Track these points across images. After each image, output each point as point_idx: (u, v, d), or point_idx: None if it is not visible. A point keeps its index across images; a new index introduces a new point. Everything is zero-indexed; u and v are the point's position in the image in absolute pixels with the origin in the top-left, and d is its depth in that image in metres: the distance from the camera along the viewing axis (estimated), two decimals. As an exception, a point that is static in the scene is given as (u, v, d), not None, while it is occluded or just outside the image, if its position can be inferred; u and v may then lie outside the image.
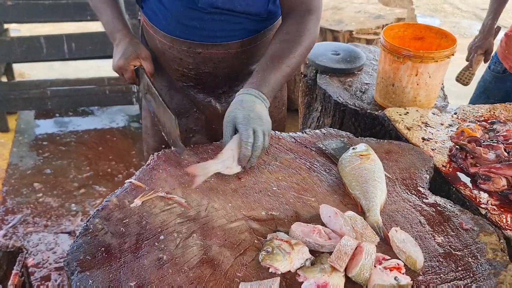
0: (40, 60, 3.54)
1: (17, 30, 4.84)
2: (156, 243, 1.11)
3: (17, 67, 4.09)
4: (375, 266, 1.06)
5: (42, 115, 3.89)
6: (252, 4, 1.48)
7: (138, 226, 1.16)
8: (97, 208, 1.20)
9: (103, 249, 1.09)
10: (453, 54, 1.81)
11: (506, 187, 1.45)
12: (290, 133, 1.59)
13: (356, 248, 1.08)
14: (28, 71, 4.42)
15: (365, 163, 1.35)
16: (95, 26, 4.65)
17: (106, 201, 1.23)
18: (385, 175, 1.38)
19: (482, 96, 2.63)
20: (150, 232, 1.14)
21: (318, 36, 1.58)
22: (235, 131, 1.34)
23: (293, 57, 1.44)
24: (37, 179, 3.16)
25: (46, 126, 3.77)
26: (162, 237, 1.13)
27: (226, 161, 1.31)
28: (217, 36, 1.54)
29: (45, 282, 2.40)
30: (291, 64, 1.44)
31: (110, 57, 3.73)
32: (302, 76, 2.37)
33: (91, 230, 1.13)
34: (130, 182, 1.30)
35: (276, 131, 1.59)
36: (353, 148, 1.44)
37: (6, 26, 3.73)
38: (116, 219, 1.17)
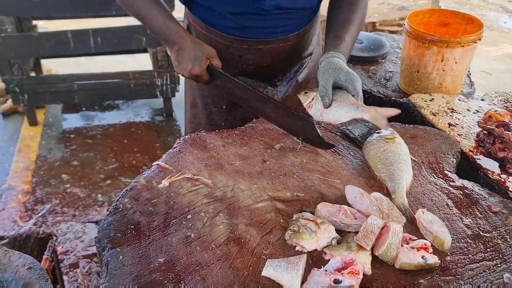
0: (67, 55, 3.62)
1: (44, 28, 4.96)
2: (183, 222, 1.13)
3: (45, 64, 4.17)
4: (401, 246, 1.06)
5: (69, 109, 3.97)
6: (309, 0, 1.55)
7: (165, 206, 1.18)
8: (126, 188, 1.23)
9: (132, 227, 1.11)
10: (480, 39, 1.78)
11: (536, 171, 1.42)
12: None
13: (382, 227, 1.08)
14: (56, 68, 4.52)
15: (391, 146, 1.35)
16: (119, 22, 4.75)
17: (134, 181, 1.26)
18: (411, 158, 1.37)
19: None
20: (177, 211, 1.16)
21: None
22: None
23: (357, 27, 1.55)
24: (65, 171, 3.24)
25: (73, 120, 3.85)
26: (189, 216, 1.15)
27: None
28: (277, 32, 1.58)
29: (74, 269, 2.46)
30: (357, 30, 1.55)
31: (134, 51, 3.82)
32: (326, 65, 2.36)
33: (120, 209, 1.16)
34: (158, 164, 1.32)
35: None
36: (377, 132, 1.44)
37: (34, 22, 3.83)
38: (144, 199, 1.20)
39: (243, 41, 1.59)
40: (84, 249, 2.59)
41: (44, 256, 2.04)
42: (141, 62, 4.40)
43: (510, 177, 1.43)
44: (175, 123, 3.89)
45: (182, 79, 3.90)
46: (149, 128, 3.79)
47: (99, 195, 3.02)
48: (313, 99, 1.40)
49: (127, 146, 3.53)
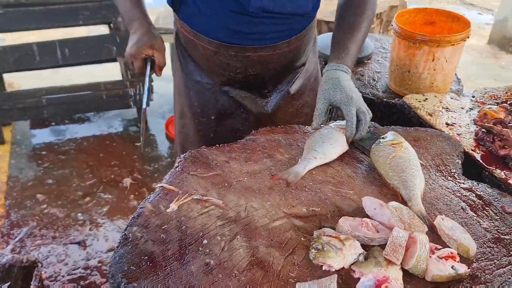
0: (33, 69, 3.44)
1: (1, 40, 4.73)
2: (200, 248, 1.07)
3: (6, 77, 3.96)
4: (429, 257, 1.03)
5: (38, 125, 3.79)
6: (301, 5, 1.49)
7: (178, 232, 1.11)
8: (132, 216, 1.15)
9: (146, 257, 1.04)
10: (468, 37, 1.80)
11: (538, 167, 1.43)
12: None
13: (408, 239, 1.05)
14: (18, 81, 4.30)
15: (399, 152, 1.32)
16: (81, 31, 4.58)
17: (140, 207, 1.18)
18: (420, 162, 1.35)
19: None
20: (191, 237, 1.10)
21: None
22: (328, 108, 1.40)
23: (365, 29, 1.51)
24: (40, 190, 3.08)
25: (43, 136, 3.67)
26: (205, 241, 1.08)
27: (320, 154, 1.33)
28: (266, 38, 1.52)
29: (60, 295, 2.34)
30: (364, 35, 1.51)
31: (105, 61, 3.68)
32: (311, 68, 2.33)
33: (130, 239, 1.08)
34: (162, 186, 1.25)
35: (301, 125, 1.55)
36: (382, 138, 1.41)
37: (-5, 35, 3.64)
38: (154, 226, 1.12)
39: (230, 47, 1.53)
40: (69, 272, 2.47)
41: (32, 287, 1.92)
42: (110, 71, 4.26)
43: (514, 174, 1.43)
44: (150, 133, 3.78)
45: (158, 88, 3.82)
46: (124, 139, 3.67)
47: (79, 214, 2.89)
48: None
49: (103, 160, 3.41)
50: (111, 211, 2.92)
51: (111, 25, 3.49)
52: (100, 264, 2.51)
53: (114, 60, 3.68)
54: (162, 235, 1.10)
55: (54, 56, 3.29)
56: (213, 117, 1.72)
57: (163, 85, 3.96)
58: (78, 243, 2.67)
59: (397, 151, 1.33)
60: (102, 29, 4.29)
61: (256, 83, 1.66)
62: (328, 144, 1.36)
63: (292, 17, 1.52)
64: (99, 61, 3.63)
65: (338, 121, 1.47)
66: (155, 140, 3.70)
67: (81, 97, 3.50)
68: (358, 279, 0.99)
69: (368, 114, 1.38)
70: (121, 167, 3.34)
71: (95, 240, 2.69)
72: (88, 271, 2.47)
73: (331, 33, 2.39)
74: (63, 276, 2.44)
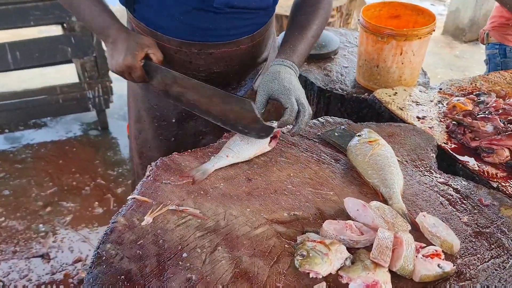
0: (-19, 73, 3.24)
1: None
2: (180, 262, 1.01)
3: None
4: (415, 256, 1.02)
5: (-11, 132, 3.58)
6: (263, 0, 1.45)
7: (155, 246, 1.05)
8: (105, 232, 1.08)
9: (123, 277, 0.97)
10: (434, 30, 1.81)
11: (509, 157, 1.46)
12: (289, 126, 1.51)
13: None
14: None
15: (377, 150, 1.31)
16: (32, 32, 4.35)
17: (112, 222, 1.10)
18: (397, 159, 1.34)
19: None
20: (170, 250, 1.04)
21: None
22: (267, 101, 1.35)
23: (316, 27, 1.47)
24: (-4, 203, 2.91)
25: (-4, 144, 3.48)
26: (185, 254, 1.03)
27: (234, 153, 1.30)
28: (229, 34, 1.46)
29: (24, 314, 2.21)
30: (315, 34, 1.48)
31: (59, 63, 3.51)
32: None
33: (104, 257, 1.01)
34: (134, 198, 1.18)
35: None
36: (358, 135, 1.39)
37: None
38: (129, 242, 1.05)
39: (192, 45, 1.46)
40: (33, 289, 2.34)
41: (-7, 309, 1.80)
42: (64, 73, 4.08)
43: (487, 166, 1.45)
44: (112, 136, 3.65)
45: (117, 89, 3.68)
46: (84, 144, 3.52)
47: (41, 225, 2.75)
48: None
49: (63, 167, 3.25)
50: (74, 220, 2.79)
51: (65, 25, 3.33)
52: (66, 278, 2.39)
53: (69, 61, 3.53)
54: (138, 251, 1.03)
55: (4, 60, 3.10)
56: (173, 120, 1.65)
57: (124, 85, 3.81)
58: (41, 256, 2.54)
59: (374, 148, 1.31)
60: (54, 29, 4.10)
61: (220, 80, 1.60)
62: (245, 143, 1.32)
63: (255, 12, 1.48)
64: (54, 63, 3.46)
65: (271, 121, 1.40)
66: (117, 143, 3.57)
67: (36, 102, 3.32)
68: (347, 284, 0.96)
69: (308, 108, 1.31)
70: (82, 173, 3.20)
71: (59, 252, 2.56)
72: (54, 286, 2.35)
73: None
74: (27, 293, 2.31)
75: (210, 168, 1.26)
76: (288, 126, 1.35)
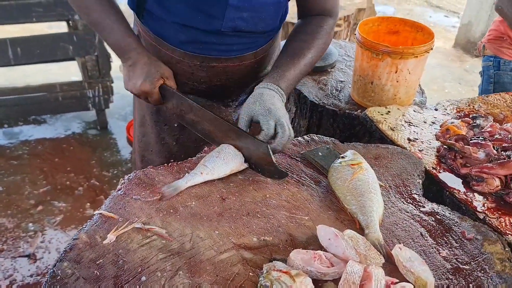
0: (-18, 68, 3.24)
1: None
2: (138, 286, 0.97)
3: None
4: (385, 294, 0.96)
5: (-12, 126, 3.59)
6: (271, 23, 1.45)
7: (114, 267, 1.01)
8: (64, 249, 1.04)
9: (75, 299, 0.93)
10: (431, 49, 1.75)
11: (500, 187, 1.39)
12: (272, 142, 1.47)
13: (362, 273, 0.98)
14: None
15: (358, 174, 1.25)
16: (42, 27, 4.36)
17: (74, 239, 1.06)
18: (379, 184, 1.29)
19: None
20: (129, 273, 0.99)
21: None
22: (250, 123, 1.34)
23: (310, 56, 1.45)
24: (-12, 198, 2.90)
25: (-7, 138, 3.48)
26: (143, 278, 0.98)
27: (209, 169, 1.26)
28: (233, 50, 1.46)
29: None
30: (308, 62, 1.45)
31: (60, 60, 3.50)
32: (273, 75, 2.25)
33: (59, 277, 0.97)
34: (100, 213, 1.14)
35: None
36: (341, 157, 1.34)
37: None
38: (87, 261, 1.01)
39: (195, 57, 1.45)
40: (17, 289, 2.32)
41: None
42: (68, 69, 4.08)
43: (475, 194, 1.39)
44: (111, 136, 3.63)
45: (118, 89, 3.66)
46: (82, 143, 3.51)
47: (30, 224, 2.73)
48: None
49: (59, 165, 3.24)
50: (65, 221, 2.78)
51: (70, 22, 3.32)
52: (50, 280, 2.37)
53: (71, 59, 3.52)
54: (96, 271, 0.99)
55: (5, 55, 3.10)
56: (176, 125, 1.65)
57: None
58: (28, 256, 2.52)
59: (355, 172, 1.26)
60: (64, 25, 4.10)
61: (220, 93, 1.61)
62: (220, 160, 1.28)
63: (261, 33, 1.48)
64: (54, 60, 3.45)
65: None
66: (115, 144, 3.55)
67: (35, 98, 3.32)
68: (309, 321, 0.91)
69: (288, 130, 1.29)
70: (77, 173, 3.18)
71: (46, 253, 2.54)
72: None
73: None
74: (9, 294, 2.29)
75: (182, 185, 1.22)
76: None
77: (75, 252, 1.03)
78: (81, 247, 1.04)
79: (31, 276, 2.39)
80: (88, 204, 2.91)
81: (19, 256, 2.51)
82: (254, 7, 1.37)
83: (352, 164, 1.29)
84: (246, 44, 1.47)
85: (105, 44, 3.37)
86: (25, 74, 4.09)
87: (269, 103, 1.30)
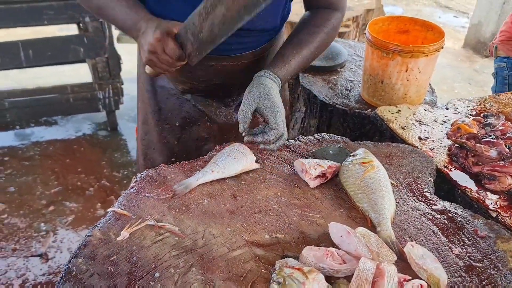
0: (-6, 70, 3.28)
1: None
2: (151, 282, 0.97)
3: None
4: (398, 290, 0.96)
5: (0, 128, 3.62)
6: (270, 22, 1.44)
7: (128, 263, 1.02)
8: (78, 245, 1.05)
9: (90, 295, 0.94)
10: (442, 47, 1.74)
11: (512, 185, 1.38)
12: (283, 141, 1.48)
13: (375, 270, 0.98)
14: (-18, 81, 4.12)
15: (370, 172, 1.25)
16: (50, 30, 4.40)
17: (88, 235, 1.08)
18: (390, 182, 1.29)
19: None
20: (142, 269, 1.00)
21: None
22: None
23: (314, 48, 1.43)
24: (0, 199, 2.93)
25: (5, 139, 3.51)
26: (157, 274, 0.99)
27: (220, 168, 1.27)
28: (232, 49, 1.44)
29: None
30: (310, 56, 1.44)
31: (71, 62, 3.54)
32: (283, 75, 2.26)
33: (74, 272, 0.98)
34: (113, 211, 1.15)
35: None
36: (352, 155, 1.34)
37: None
38: (102, 257, 1.03)
39: None
40: (29, 288, 2.34)
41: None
42: (79, 71, 4.11)
43: (487, 193, 1.38)
44: (121, 137, 3.66)
45: (128, 91, 3.69)
46: (92, 144, 3.53)
47: (42, 224, 2.76)
48: None
49: (70, 166, 3.27)
50: (76, 221, 2.80)
51: (80, 25, 3.35)
52: (62, 279, 2.39)
53: (81, 61, 3.55)
54: (110, 267, 1.00)
55: (17, 58, 3.13)
56: (177, 124, 1.66)
57: (134, 87, 3.82)
58: (40, 255, 2.54)
59: (367, 170, 1.26)
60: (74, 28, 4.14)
61: (220, 92, 1.60)
62: (231, 159, 1.29)
63: (261, 32, 1.47)
64: (66, 62, 3.48)
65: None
66: (125, 145, 3.57)
67: (47, 100, 3.35)
68: (321, 317, 0.92)
69: (285, 132, 1.32)
70: (88, 173, 3.21)
71: (58, 252, 2.56)
72: (50, 287, 2.35)
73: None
74: (22, 293, 2.31)
75: (193, 183, 1.23)
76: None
77: (90, 248, 1.04)
78: (95, 244, 1.05)
79: (43, 275, 2.41)
80: (99, 204, 2.93)
81: (31, 256, 2.53)
82: None
83: (363, 162, 1.29)
84: (245, 43, 1.45)
85: (116, 45, 3.43)
86: (36, 76, 4.13)
87: (273, 97, 1.30)
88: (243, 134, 1.33)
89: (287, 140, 1.46)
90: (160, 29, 1.21)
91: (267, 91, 1.30)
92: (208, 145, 1.68)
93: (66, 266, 1.00)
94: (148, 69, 1.36)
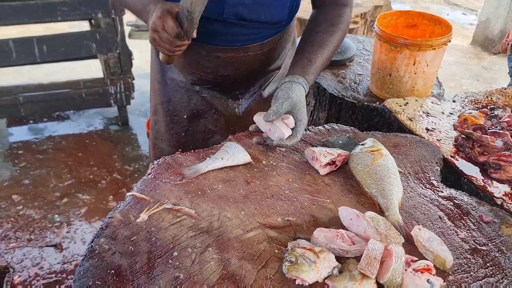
0: (9, 65, 3.34)
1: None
2: (170, 261, 1.03)
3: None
4: (405, 270, 1.01)
5: (15, 122, 3.70)
6: (275, 14, 1.46)
7: (147, 243, 1.07)
8: (100, 226, 1.11)
9: (113, 271, 1.00)
10: (449, 41, 1.78)
11: (517, 174, 1.42)
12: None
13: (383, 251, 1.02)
14: (-4, 77, 4.20)
15: (378, 160, 1.30)
16: (62, 27, 4.47)
17: (109, 217, 1.13)
18: (398, 170, 1.33)
19: None
20: (161, 248, 1.06)
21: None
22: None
23: (333, 49, 1.47)
24: (16, 191, 3.00)
25: (20, 134, 3.59)
26: (175, 253, 1.05)
27: (229, 155, 1.32)
28: (238, 40, 1.47)
29: (34, 300, 2.28)
30: (330, 56, 1.48)
31: (83, 58, 3.61)
32: (292, 69, 2.30)
33: (97, 251, 1.04)
34: (133, 195, 1.20)
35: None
36: (361, 144, 1.39)
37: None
38: (123, 237, 1.08)
39: (201, 47, 1.48)
40: (44, 277, 2.40)
41: (2, 293, 1.87)
42: (90, 67, 4.18)
43: (493, 181, 1.42)
44: (131, 132, 3.72)
45: (139, 86, 3.75)
46: (104, 138, 3.60)
47: (56, 215, 2.82)
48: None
49: (82, 160, 3.34)
50: (89, 212, 2.86)
51: (92, 21, 3.42)
52: (76, 268, 2.45)
53: (93, 57, 3.61)
54: (130, 247, 1.06)
55: (31, 53, 3.20)
56: (185, 116, 1.70)
57: (145, 83, 3.89)
58: (55, 245, 2.61)
59: (375, 158, 1.30)
60: (85, 25, 4.21)
61: (227, 84, 1.63)
62: (241, 147, 1.34)
63: (266, 25, 1.48)
64: (79, 58, 3.55)
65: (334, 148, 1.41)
66: (136, 139, 3.63)
67: (60, 95, 3.42)
68: (332, 293, 0.96)
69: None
70: (100, 167, 3.27)
71: (71, 243, 2.62)
72: (64, 275, 2.41)
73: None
74: (37, 281, 2.38)
75: (202, 168, 1.28)
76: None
77: (111, 229, 1.10)
78: (116, 225, 1.11)
79: (58, 263, 2.47)
80: (111, 196, 3.00)
81: (46, 246, 2.60)
82: None
83: (372, 151, 1.34)
84: (250, 34, 1.48)
85: (127, 41, 3.49)
86: (48, 72, 4.21)
87: (304, 109, 1.35)
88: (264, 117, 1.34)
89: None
90: (162, 8, 1.24)
91: (302, 101, 1.35)
92: (215, 138, 1.73)
93: (89, 245, 1.05)
94: (161, 56, 1.40)
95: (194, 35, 1.28)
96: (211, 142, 1.71)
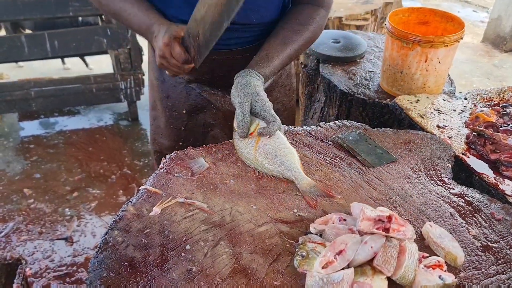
0: (22, 60, 3.39)
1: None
2: (182, 254, 1.04)
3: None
4: (417, 266, 1.01)
5: (26, 117, 3.74)
6: (267, 15, 1.45)
7: (160, 236, 1.08)
8: (114, 219, 1.12)
9: (126, 263, 1.01)
10: (462, 38, 1.77)
11: (529, 172, 1.41)
12: (304, 127, 1.53)
13: (395, 247, 1.03)
14: (7, 72, 4.24)
15: (261, 139, 1.31)
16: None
17: (122, 210, 1.15)
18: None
19: None
20: (174, 242, 1.07)
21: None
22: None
23: (298, 48, 1.44)
24: (27, 185, 3.04)
25: (31, 128, 3.63)
26: (188, 246, 1.06)
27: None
28: (232, 43, 1.48)
29: (45, 292, 2.30)
30: (293, 55, 1.45)
31: (94, 53, 3.63)
32: (303, 66, 2.30)
33: (111, 243, 1.05)
34: (145, 189, 1.22)
35: (290, 126, 1.53)
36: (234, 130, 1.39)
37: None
38: (136, 230, 1.09)
39: None
40: (55, 269, 2.43)
41: (15, 285, 1.89)
42: (101, 62, 4.21)
43: (505, 179, 1.41)
44: (141, 127, 3.74)
45: (147, 81, 3.76)
46: (114, 133, 3.63)
47: (67, 209, 2.85)
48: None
49: (92, 154, 3.36)
50: (99, 207, 2.89)
51: (103, 17, 3.44)
52: (86, 261, 2.48)
53: (104, 52, 3.64)
54: (143, 239, 1.07)
55: (43, 48, 3.23)
56: (184, 111, 1.70)
57: (155, 79, 3.92)
58: (65, 239, 2.64)
59: (257, 140, 1.31)
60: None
61: (224, 83, 1.62)
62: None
63: (259, 26, 1.48)
64: (89, 53, 3.58)
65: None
66: (145, 135, 3.66)
67: (70, 90, 3.45)
68: None
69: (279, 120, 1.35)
70: (110, 161, 3.30)
71: (82, 236, 2.65)
72: (75, 268, 2.44)
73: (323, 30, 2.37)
74: (48, 273, 2.41)
75: (207, 164, 1.29)
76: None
77: (124, 222, 1.11)
78: (129, 218, 1.12)
79: (68, 257, 2.50)
80: (121, 191, 3.02)
81: (57, 239, 2.63)
82: None
83: (251, 133, 1.34)
84: (244, 37, 1.48)
85: (137, 37, 3.50)
86: (59, 67, 4.24)
87: (262, 95, 1.33)
88: (241, 136, 1.34)
89: (308, 126, 1.52)
90: (168, 33, 1.28)
91: (256, 90, 1.33)
92: (214, 131, 1.73)
93: (103, 238, 1.07)
94: (168, 72, 1.42)
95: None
96: (211, 135, 1.73)
